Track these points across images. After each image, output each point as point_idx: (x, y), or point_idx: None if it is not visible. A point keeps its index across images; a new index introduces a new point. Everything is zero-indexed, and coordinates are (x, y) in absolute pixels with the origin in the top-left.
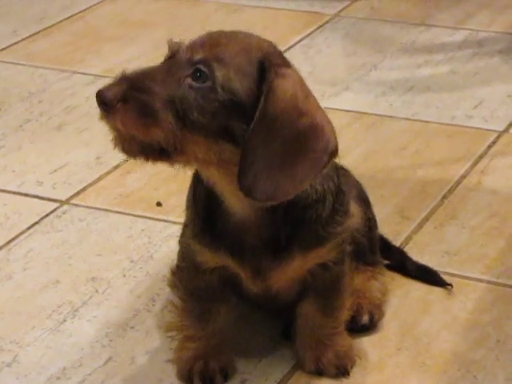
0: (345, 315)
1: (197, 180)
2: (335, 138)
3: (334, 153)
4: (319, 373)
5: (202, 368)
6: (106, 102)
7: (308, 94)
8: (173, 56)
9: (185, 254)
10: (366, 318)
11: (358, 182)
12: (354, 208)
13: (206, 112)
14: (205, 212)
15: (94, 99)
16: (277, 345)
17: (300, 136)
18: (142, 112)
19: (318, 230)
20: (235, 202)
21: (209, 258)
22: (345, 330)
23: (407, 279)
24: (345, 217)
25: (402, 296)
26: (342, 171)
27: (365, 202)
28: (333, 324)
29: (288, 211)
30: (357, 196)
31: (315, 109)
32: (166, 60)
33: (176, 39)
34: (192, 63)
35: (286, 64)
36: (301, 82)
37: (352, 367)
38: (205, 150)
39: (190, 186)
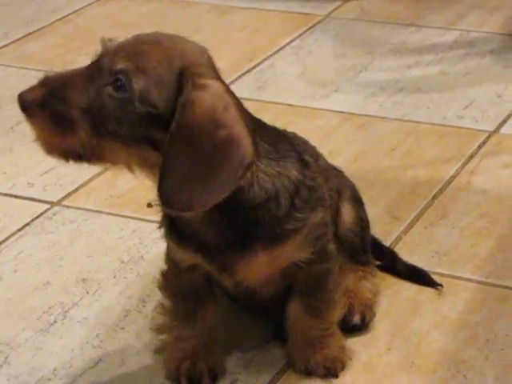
0: (336, 316)
1: None
2: (252, 151)
3: (250, 165)
4: (308, 373)
5: (189, 368)
6: (25, 106)
7: (228, 105)
8: (97, 61)
9: (167, 253)
10: (357, 319)
11: (351, 182)
12: (347, 208)
13: (123, 122)
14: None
15: None
16: (267, 345)
17: (216, 148)
18: (58, 120)
19: (275, 228)
20: None
21: (182, 255)
22: (337, 330)
23: (397, 279)
24: (309, 213)
25: (392, 296)
26: (334, 171)
27: (358, 202)
28: (322, 325)
29: (234, 212)
30: (350, 196)
31: (233, 121)
32: (91, 63)
33: (109, 38)
34: (113, 72)
35: (210, 74)
36: (221, 94)
37: (342, 369)
38: (125, 155)
39: None
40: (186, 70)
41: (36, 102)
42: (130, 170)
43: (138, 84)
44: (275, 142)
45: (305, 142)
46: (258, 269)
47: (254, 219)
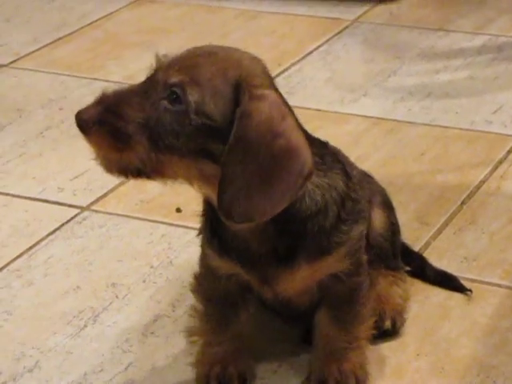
0: (363, 331)
1: None
2: (311, 160)
3: (310, 175)
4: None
5: (219, 373)
6: (82, 125)
7: (285, 115)
8: (152, 76)
9: (202, 259)
10: (388, 324)
11: (381, 187)
12: (378, 213)
13: (180, 135)
14: (211, 220)
15: None
16: (297, 350)
17: (275, 158)
18: (116, 136)
19: (322, 241)
20: None
21: (220, 263)
22: (362, 346)
23: (426, 285)
24: (352, 225)
25: (422, 301)
26: (366, 178)
27: (388, 208)
28: (346, 338)
29: (286, 224)
30: (381, 202)
31: (291, 131)
32: (146, 79)
33: (163, 53)
34: (168, 86)
35: (266, 85)
36: (278, 104)
37: None
38: (184, 168)
39: None
40: (242, 81)
41: (93, 119)
42: (190, 183)
43: (193, 96)
44: (322, 153)
45: (339, 152)
46: (299, 281)
47: (302, 231)
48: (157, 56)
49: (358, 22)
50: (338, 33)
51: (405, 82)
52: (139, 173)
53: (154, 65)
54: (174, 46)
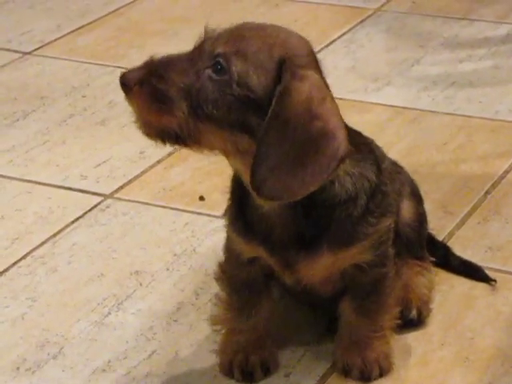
0: (387, 320)
1: None
2: (346, 144)
3: (343, 159)
4: (345, 373)
5: (242, 361)
6: (125, 83)
7: (325, 97)
8: (200, 45)
9: (227, 243)
10: (414, 313)
11: (411, 178)
12: (406, 204)
13: (220, 105)
14: (238, 200)
15: None
16: (321, 339)
17: (311, 139)
18: (157, 99)
19: (348, 230)
20: None
21: (243, 246)
22: (387, 336)
23: (451, 274)
24: (380, 218)
25: (446, 291)
26: (396, 168)
27: (417, 198)
28: (370, 327)
29: (314, 208)
30: (410, 192)
31: (330, 113)
32: (193, 48)
33: (213, 26)
34: (213, 56)
35: (310, 65)
36: (319, 86)
37: (381, 375)
38: (220, 140)
39: (233, 174)
40: (287, 59)
41: (136, 80)
42: (226, 155)
43: (236, 67)
44: (357, 141)
45: (373, 143)
46: (321, 268)
47: (330, 218)
48: (206, 27)
49: (381, 10)
50: (361, 21)
51: (428, 71)
52: (177, 139)
53: (203, 35)
54: (196, 34)
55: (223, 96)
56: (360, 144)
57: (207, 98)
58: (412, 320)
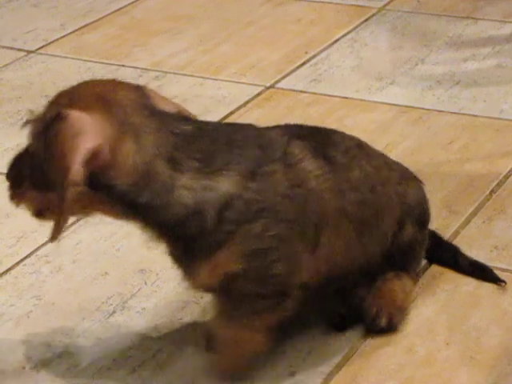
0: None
1: None
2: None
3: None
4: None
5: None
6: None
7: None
8: None
9: None
10: (384, 321)
11: (424, 199)
12: (408, 226)
13: None
14: None
15: None
16: (325, 337)
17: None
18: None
19: (206, 240)
20: None
21: None
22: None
23: (456, 274)
24: (240, 225)
25: (451, 290)
26: (413, 183)
27: (419, 225)
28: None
29: (166, 228)
30: (416, 218)
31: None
32: None
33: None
34: None
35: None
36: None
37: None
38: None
39: None
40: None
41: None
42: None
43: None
44: (212, 155)
45: (339, 141)
46: (207, 276)
47: (184, 234)
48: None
49: (385, 9)
50: (366, 20)
51: (433, 70)
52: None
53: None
54: (200, 33)
55: None
56: (218, 157)
57: None
58: (382, 328)
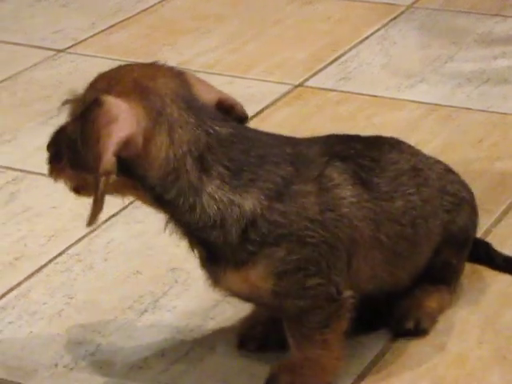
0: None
1: None
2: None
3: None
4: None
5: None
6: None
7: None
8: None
9: None
10: (410, 324)
11: (472, 224)
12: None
13: None
14: None
15: None
16: (356, 337)
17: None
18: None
19: (228, 254)
20: None
21: None
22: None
23: (488, 272)
24: (262, 247)
25: (483, 289)
26: (467, 207)
27: (460, 247)
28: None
29: (189, 230)
30: (457, 243)
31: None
32: None
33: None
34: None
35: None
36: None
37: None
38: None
39: None
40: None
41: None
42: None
43: None
44: (241, 167)
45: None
46: (232, 285)
47: (209, 240)
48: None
49: (413, 7)
50: (394, 18)
51: (462, 67)
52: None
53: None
54: (228, 32)
55: None
56: (246, 170)
57: None
58: (408, 331)
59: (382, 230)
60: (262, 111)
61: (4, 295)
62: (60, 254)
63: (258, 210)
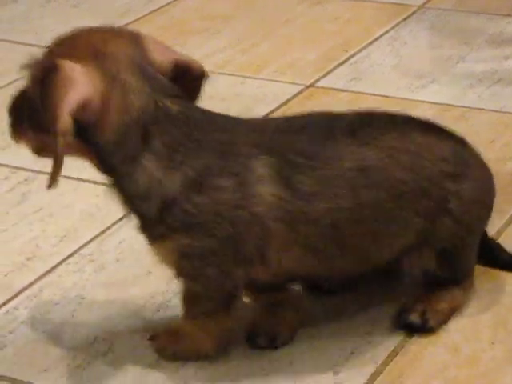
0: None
1: None
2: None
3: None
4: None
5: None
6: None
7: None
8: None
9: None
10: (414, 317)
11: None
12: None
13: None
14: None
15: None
16: (369, 336)
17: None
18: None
19: (147, 226)
20: None
21: None
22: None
23: (498, 272)
24: (171, 232)
25: (494, 290)
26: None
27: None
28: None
29: (124, 195)
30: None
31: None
32: None
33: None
34: None
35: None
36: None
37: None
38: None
39: None
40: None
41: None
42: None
43: None
44: (177, 148)
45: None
46: (155, 255)
47: (139, 210)
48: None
49: (424, 7)
50: (405, 19)
51: (473, 68)
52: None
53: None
54: (238, 32)
55: None
56: (179, 152)
57: None
58: (411, 323)
59: (299, 230)
60: (273, 111)
61: (16, 295)
62: (72, 255)
63: (177, 196)
